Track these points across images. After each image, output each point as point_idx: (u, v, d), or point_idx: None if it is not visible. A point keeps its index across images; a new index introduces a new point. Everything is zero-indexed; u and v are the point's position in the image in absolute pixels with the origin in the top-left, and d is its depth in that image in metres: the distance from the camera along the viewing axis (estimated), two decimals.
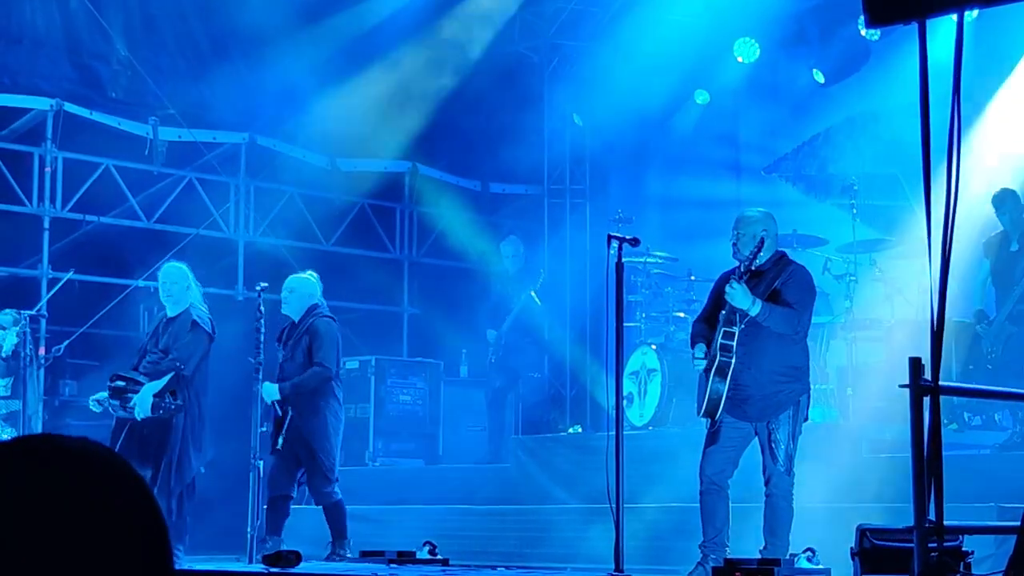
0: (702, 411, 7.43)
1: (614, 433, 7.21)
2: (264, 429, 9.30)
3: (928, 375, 4.18)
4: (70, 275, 11.98)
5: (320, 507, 9.39)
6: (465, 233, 14.22)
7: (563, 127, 14.30)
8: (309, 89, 12.92)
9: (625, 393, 9.37)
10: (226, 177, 13.11)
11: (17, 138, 12.21)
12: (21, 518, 1.36)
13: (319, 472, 9.21)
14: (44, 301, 11.75)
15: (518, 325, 12.46)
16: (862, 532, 5.86)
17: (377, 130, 13.42)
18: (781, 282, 7.42)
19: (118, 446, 8.98)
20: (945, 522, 4.18)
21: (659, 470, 9.58)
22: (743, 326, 7.31)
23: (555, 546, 9.85)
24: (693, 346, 7.59)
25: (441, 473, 12.40)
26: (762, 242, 7.36)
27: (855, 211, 10.73)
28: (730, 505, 7.43)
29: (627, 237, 7.55)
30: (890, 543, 5.72)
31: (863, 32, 11.69)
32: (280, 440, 9.13)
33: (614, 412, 7.45)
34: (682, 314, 11.45)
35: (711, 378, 7.36)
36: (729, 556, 7.17)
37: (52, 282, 11.93)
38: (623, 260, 7.51)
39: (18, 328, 10.76)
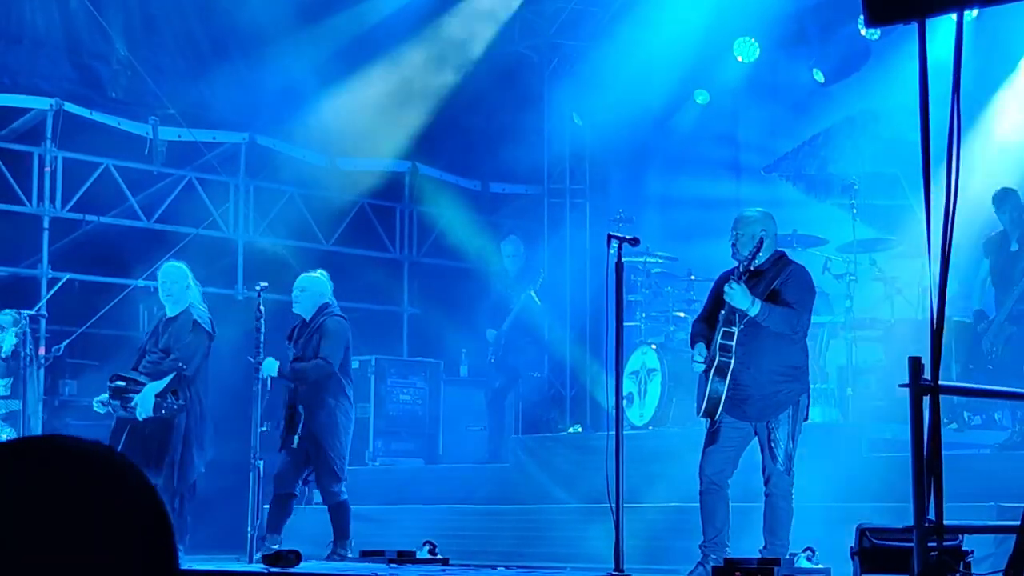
0: (701, 411, 7.43)
1: (614, 433, 7.20)
2: (264, 428, 9.30)
3: (928, 374, 4.17)
4: (68, 276, 11.98)
5: (324, 507, 9.39)
6: (465, 233, 14.22)
7: (563, 127, 14.30)
8: (309, 89, 12.91)
9: (625, 393, 9.37)
10: (226, 177, 13.11)
11: (17, 138, 12.21)
12: (27, 519, 1.36)
13: (329, 470, 9.21)
14: (44, 301, 11.75)
15: (518, 325, 12.46)
16: (862, 531, 5.86)
17: (377, 130, 13.42)
18: (780, 282, 7.42)
19: (119, 446, 8.97)
20: (945, 521, 4.18)
21: (659, 470, 9.58)
22: (742, 326, 7.31)
23: (555, 546, 9.85)
24: (692, 346, 7.59)
25: (441, 473, 12.40)
26: (761, 242, 7.36)
27: (855, 211, 10.72)
28: (730, 505, 7.43)
29: (627, 237, 7.55)
30: (890, 542, 5.72)
31: (863, 31, 11.69)
32: (295, 439, 9.13)
33: (614, 412, 7.44)
34: (682, 314, 11.45)
35: (710, 378, 7.36)
36: (729, 556, 7.17)
37: (52, 282, 11.93)
38: (623, 260, 7.51)
39: (18, 328, 10.76)
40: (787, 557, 7.08)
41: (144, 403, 9.08)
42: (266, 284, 9.37)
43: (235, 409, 10.32)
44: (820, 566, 7.10)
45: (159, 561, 1.41)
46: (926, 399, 4.25)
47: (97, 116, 12.28)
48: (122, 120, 12.44)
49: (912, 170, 9.93)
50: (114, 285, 12.38)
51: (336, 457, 9.22)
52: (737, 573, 6.83)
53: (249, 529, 8.82)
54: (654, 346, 11.18)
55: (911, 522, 4.29)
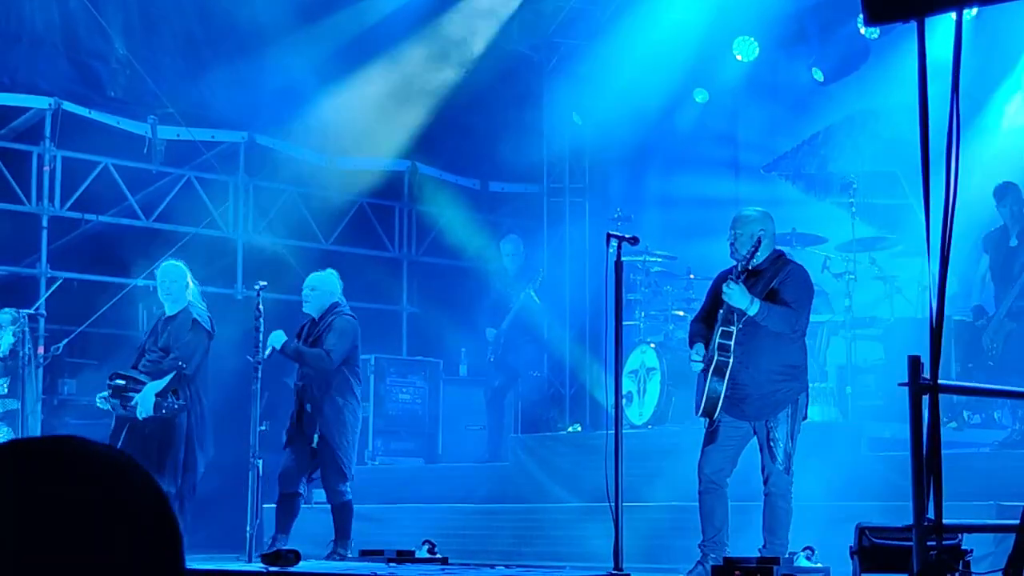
0: (700, 410, 7.43)
1: (613, 432, 7.20)
2: (263, 428, 9.29)
3: (927, 373, 4.17)
4: (67, 275, 11.97)
5: (324, 507, 9.38)
6: (464, 232, 14.22)
7: (562, 126, 14.30)
8: (308, 88, 12.91)
9: (624, 392, 9.36)
10: (225, 176, 13.10)
11: (16, 137, 12.20)
12: (32, 519, 1.35)
13: (336, 469, 9.20)
14: (43, 300, 11.74)
15: (517, 324, 12.46)
16: (861, 530, 5.86)
17: (376, 129, 13.42)
18: (779, 281, 7.42)
19: (119, 445, 8.97)
20: (944, 520, 4.17)
21: (658, 469, 9.58)
22: (741, 325, 7.31)
23: (554, 545, 9.85)
24: (691, 345, 7.59)
25: (440, 472, 12.40)
26: (759, 241, 7.35)
27: (854, 209, 10.73)
28: (729, 504, 7.42)
29: (626, 236, 7.55)
30: (889, 541, 5.72)
31: (862, 30, 11.70)
32: (316, 438, 9.12)
33: (613, 411, 7.44)
34: (681, 312, 11.45)
35: (709, 377, 7.35)
36: (728, 555, 7.16)
37: (51, 281, 11.92)
38: (622, 259, 7.50)
39: (15, 327, 10.75)
40: (786, 556, 7.08)
41: (144, 402, 9.07)
42: (265, 283, 9.36)
43: (234, 408, 10.32)
44: (819, 565, 7.10)
45: (165, 562, 1.41)
46: (925, 398, 4.25)
47: (96, 115, 12.27)
48: (121, 119, 12.43)
49: (911, 169, 9.94)
50: (113, 284, 12.38)
51: (343, 456, 9.21)
52: (736, 572, 6.83)
53: (248, 528, 8.81)
54: (653, 345, 11.18)
55: (910, 521, 4.28)
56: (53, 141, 12.03)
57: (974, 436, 9.77)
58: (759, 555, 7.08)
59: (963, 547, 5.39)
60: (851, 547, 5.89)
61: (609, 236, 7.46)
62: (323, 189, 13.63)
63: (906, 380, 4.27)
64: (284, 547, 8.83)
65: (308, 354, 9.21)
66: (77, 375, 12.45)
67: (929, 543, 4.23)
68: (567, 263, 14.10)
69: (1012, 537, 4.19)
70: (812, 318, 7.80)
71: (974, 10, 8.21)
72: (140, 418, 9.12)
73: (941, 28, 7.84)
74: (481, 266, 13.79)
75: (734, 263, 7.49)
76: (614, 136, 13.63)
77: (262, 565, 8.03)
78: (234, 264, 12.93)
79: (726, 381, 7.31)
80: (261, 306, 9.20)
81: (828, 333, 10.74)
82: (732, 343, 7.31)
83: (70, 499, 1.37)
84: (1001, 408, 9.91)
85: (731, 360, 7.31)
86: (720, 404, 7.34)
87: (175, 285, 9.42)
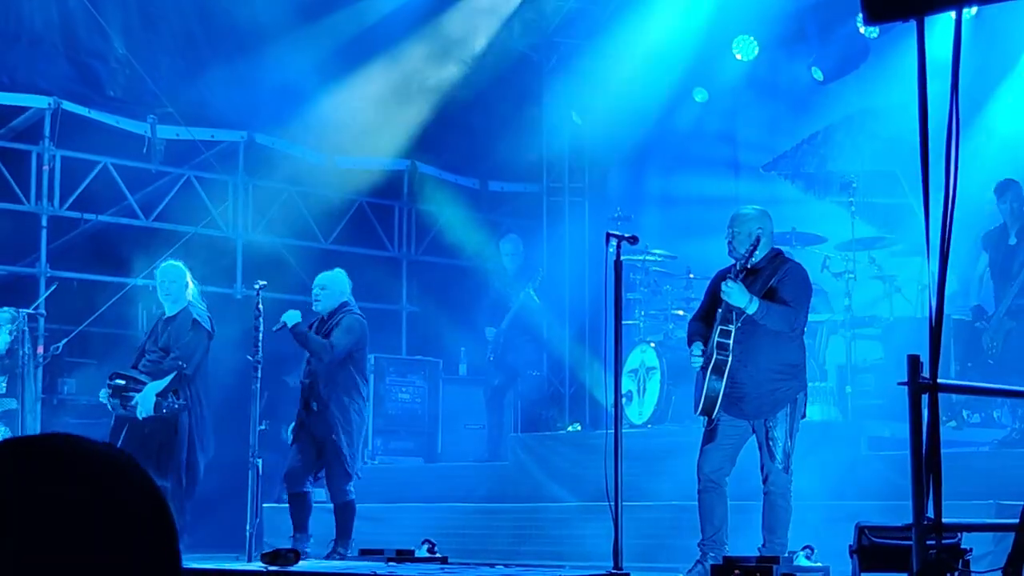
0: (699, 409, 7.43)
1: (613, 431, 7.20)
2: (263, 427, 9.29)
3: (927, 372, 4.17)
4: (67, 274, 11.97)
5: (328, 505, 9.38)
6: (464, 231, 14.22)
7: (562, 125, 14.30)
8: (307, 87, 12.90)
9: (624, 391, 9.36)
10: (224, 175, 13.09)
11: (15, 136, 12.20)
12: (30, 518, 1.35)
13: (341, 468, 9.20)
14: (42, 299, 11.74)
15: (517, 323, 12.46)
16: (860, 529, 5.86)
17: (376, 128, 13.42)
18: (777, 280, 7.42)
19: (119, 444, 8.97)
20: (944, 519, 4.17)
21: (658, 468, 9.58)
22: (739, 324, 7.31)
23: (554, 544, 9.85)
24: (690, 344, 7.58)
25: (440, 471, 12.40)
26: (757, 240, 7.35)
27: (854, 208, 10.73)
28: (728, 503, 7.42)
29: (626, 235, 7.54)
30: (888, 540, 5.72)
31: (862, 30, 11.70)
32: (322, 437, 9.15)
33: (613, 410, 7.44)
34: (681, 312, 11.44)
35: (708, 376, 7.35)
36: (728, 554, 7.16)
37: (50, 280, 11.92)
38: (622, 258, 7.50)
39: (13, 326, 10.75)
40: (786, 555, 7.08)
41: (145, 402, 9.07)
42: (265, 283, 9.37)
43: (234, 408, 10.32)
44: (819, 564, 7.10)
45: (163, 562, 1.41)
46: (925, 397, 4.25)
47: (95, 114, 12.27)
48: (120, 118, 12.42)
49: (911, 168, 9.93)
50: (112, 284, 12.38)
51: (349, 455, 9.22)
52: (736, 571, 6.83)
53: (248, 528, 8.82)
54: (653, 344, 11.18)
55: (910, 520, 4.28)
56: (52, 140, 12.03)
57: (973, 435, 9.77)
58: (758, 554, 7.08)
59: (962, 546, 5.39)
60: (850, 546, 5.89)
61: (608, 235, 7.46)
62: (323, 188, 13.62)
63: (905, 379, 4.27)
64: (305, 546, 8.86)
65: (313, 341, 9.23)
66: (77, 375, 12.45)
67: (928, 542, 4.23)
68: (566, 262, 14.10)
69: (1011, 536, 4.19)
70: (811, 317, 7.80)
71: (973, 9, 8.22)
72: (140, 418, 9.11)
73: (940, 27, 7.84)
74: (480, 265, 13.79)
75: (733, 262, 7.49)
76: (613, 135, 13.64)
77: (262, 565, 8.03)
78: (233, 264, 12.92)
79: (725, 380, 7.31)
80: (261, 305, 9.21)
81: (828, 332, 10.74)
82: (731, 342, 7.31)
83: (68, 498, 1.37)
84: (1001, 407, 9.90)
85: (730, 359, 7.31)
86: (719, 403, 7.33)
87: (175, 285, 9.42)
